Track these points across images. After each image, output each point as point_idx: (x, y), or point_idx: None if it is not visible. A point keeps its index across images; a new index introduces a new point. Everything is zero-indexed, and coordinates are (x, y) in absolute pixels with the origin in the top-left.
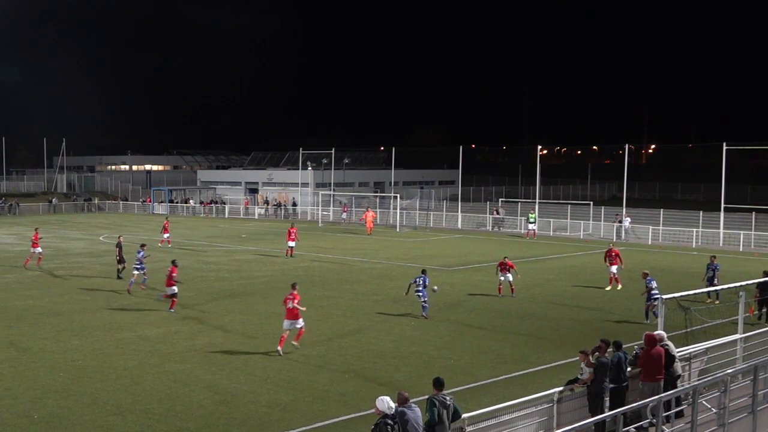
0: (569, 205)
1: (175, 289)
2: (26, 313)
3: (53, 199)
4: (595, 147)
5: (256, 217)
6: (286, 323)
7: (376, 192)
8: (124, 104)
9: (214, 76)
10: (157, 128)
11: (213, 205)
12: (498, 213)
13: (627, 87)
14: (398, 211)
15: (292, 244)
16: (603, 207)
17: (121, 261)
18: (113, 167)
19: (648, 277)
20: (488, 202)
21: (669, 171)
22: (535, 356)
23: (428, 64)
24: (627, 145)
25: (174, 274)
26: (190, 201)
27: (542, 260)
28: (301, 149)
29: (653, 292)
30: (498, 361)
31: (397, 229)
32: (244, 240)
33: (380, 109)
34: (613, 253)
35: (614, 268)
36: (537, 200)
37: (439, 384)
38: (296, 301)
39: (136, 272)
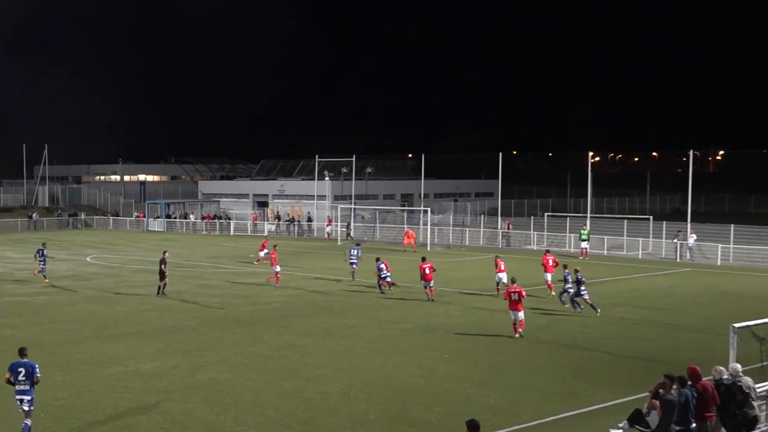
0: (625, 221)
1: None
2: (3, 345)
3: (34, 215)
4: (654, 153)
5: (266, 234)
6: (512, 314)
7: (404, 205)
8: (115, 107)
9: (216, 76)
10: (153, 134)
11: (216, 220)
12: (508, 228)
13: (692, 86)
14: (429, 227)
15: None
16: (664, 222)
17: (162, 277)
18: (102, 178)
19: (566, 271)
20: (532, 217)
21: (740, 181)
22: (587, 394)
23: (462, 61)
24: (692, 152)
25: (432, 271)
26: (191, 216)
27: (595, 283)
28: (317, 157)
29: (568, 286)
30: (545, 399)
31: (428, 248)
32: (253, 261)
33: (408, 111)
34: (550, 261)
35: (549, 276)
36: (588, 214)
37: (474, 427)
38: (523, 293)
39: (353, 266)
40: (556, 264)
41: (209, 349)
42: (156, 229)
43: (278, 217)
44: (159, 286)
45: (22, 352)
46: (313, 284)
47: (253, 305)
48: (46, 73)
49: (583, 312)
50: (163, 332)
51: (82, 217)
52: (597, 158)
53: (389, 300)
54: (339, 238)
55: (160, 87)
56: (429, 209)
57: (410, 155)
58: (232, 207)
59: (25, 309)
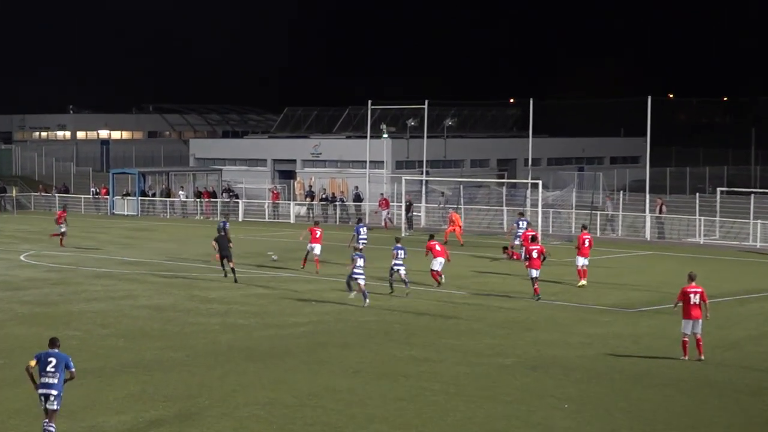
0: None
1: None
2: None
3: None
4: None
5: (292, 220)
6: (686, 324)
7: (502, 175)
8: (64, 30)
9: None
10: (121, 69)
11: (217, 199)
12: (660, 210)
13: None
14: (539, 209)
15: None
16: None
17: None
18: (44, 135)
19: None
20: (698, 194)
21: None
22: None
23: None
24: None
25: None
26: (180, 193)
27: None
28: (369, 103)
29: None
30: None
31: (539, 241)
32: (272, 262)
33: (505, 36)
34: (586, 242)
35: (584, 260)
36: None
37: None
38: (705, 297)
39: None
40: (591, 246)
41: (205, 394)
42: (125, 213)
43: (311, 195)
44: (226, 271)
45: (53, 343)
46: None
47: (272, 328)
48: None
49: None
50: (136, 369)
51: (14, 194)
52: None
53: (478, 321)
54: (403, 228)
55: (135, 9)
56: (540, 182)
57: (512, 100)
58: (241, 178)
59: None
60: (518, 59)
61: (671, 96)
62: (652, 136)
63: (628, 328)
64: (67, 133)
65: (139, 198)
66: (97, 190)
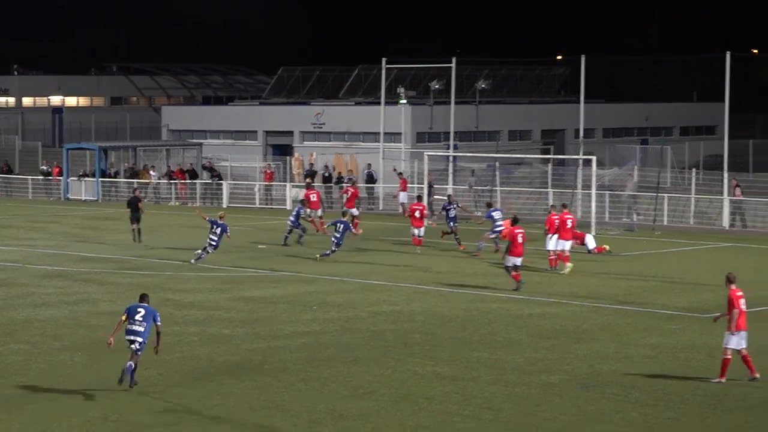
0: None
1: None
2: None
3: None
4: None
5: (289, 205)
6: (732, 339)
7: (547, 150)
8: None
9: None
10: (77, 23)
11: (197, 180)
12: (735, 192)
13: None
14: (593, 191)
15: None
16: None
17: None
18: None
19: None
20: None
21: None
22: None
23: None
24: None
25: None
26: (151, 172)
27: None
28: (384, 61)
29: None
30: None
31: (592, 231)
32: (262, 255)
33: None
34: (567, 220)
35: (566, 244)
36: None
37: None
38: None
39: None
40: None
41: (182, 421)
42: (83, 197)
43: (311, 174)
44: (134, 230)
45: (143, 298)
46: (375, 300)
47: (263, 339)
48: None
49: None
50: (96, 391)
51: None
52: None
53: (517, 330)
54: (431, 214)
55: None
56: (594, 158)
57: (560, 58)
58: (226, 155)
59: None
60: (567, 7)
61: (755, 51)
62: (731, 101)
63: (702, 338)
64: (11, 99)
65: (100, 180)
66: (48, 170)
